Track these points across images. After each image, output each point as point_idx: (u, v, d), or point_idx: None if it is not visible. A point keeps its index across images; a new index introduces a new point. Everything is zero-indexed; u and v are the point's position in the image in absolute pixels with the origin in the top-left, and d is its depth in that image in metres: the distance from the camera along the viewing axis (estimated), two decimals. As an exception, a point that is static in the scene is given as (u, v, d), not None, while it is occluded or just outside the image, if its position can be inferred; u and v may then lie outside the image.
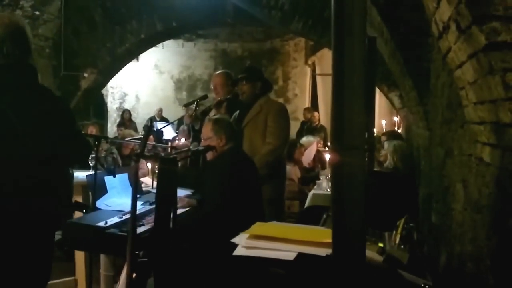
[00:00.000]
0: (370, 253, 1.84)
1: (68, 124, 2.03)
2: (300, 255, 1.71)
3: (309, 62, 11.34)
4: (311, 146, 6.74)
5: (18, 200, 1.84)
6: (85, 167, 3.64)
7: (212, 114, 3.89)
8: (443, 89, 2.83)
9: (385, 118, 8.10)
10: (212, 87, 4.17)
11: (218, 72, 4.27)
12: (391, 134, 5.32)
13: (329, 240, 1.50)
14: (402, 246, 2.01)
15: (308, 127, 9.64)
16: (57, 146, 1.98)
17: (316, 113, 10.13)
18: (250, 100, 3.77)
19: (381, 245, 2.04)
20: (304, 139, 6.97)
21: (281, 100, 11.60)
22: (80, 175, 3.47)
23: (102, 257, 3.23)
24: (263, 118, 3.68)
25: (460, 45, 1.70)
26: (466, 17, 1.49)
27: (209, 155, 3.06)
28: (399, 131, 6.87)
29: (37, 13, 5.74)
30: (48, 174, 1.96)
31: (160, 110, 11.14)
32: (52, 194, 2.01)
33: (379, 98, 6.92)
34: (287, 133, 3.88)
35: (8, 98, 1.72)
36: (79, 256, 3.34)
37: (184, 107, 9.69)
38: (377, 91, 5.55)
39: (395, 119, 7.67)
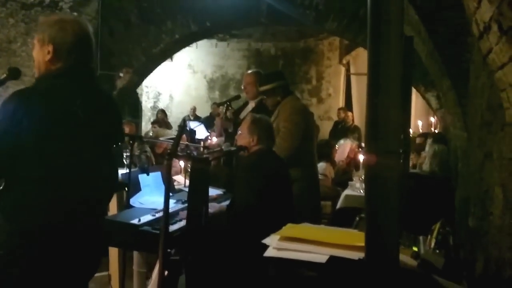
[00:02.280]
0: (404, 258, 1.80)
1: (120, 124, 2.12)
2: (332, 258, 1.68)
3: (344, 61, 11.22)
4: (345, 145, 6.70)
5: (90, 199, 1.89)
6: (120, 165, 3.71)
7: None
8: (483, 90, 2.74)
9: (421, 118, 7.93)
10: (242, 87, 4.16)
11: (249, 71, 4.25)
12: (436, 137, 5.17)
13: (362, 243, 1.47)
14: (437, 251, 1.96)
15: (342, 127, 9.54)
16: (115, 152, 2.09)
17: (350, 113, 10.01)
18: (273, 108, 3.75)
19: (415, 249, 1.98)
20: (341, 142, 6.97)
21: (314, 100, 11.54)
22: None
23: (135, 254, 3.29)
24: (277, 123, 3.62)
25: (501, 46, 1.64)
26: (508, 18, 1.44)
27: (241, 155, 3.07)
28: (436, 131, 6.72)
29: (75, 14, 5.89)
30: (111, 175, 2.03)
31: (194, 109, 11.25)
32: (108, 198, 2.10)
33: (416, 98, 6.79)
34: (298, 133, 3.61)
35: (80, 101, 1.77)
36: (113, 252, 3.40)
37: (214, 105, 9.76)
38: (413, 91, 5.43)
39: (432, 119, 7.50)
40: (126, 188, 2.85)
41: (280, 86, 3.75)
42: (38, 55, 1.85)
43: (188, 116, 10.98)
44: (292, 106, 3.70)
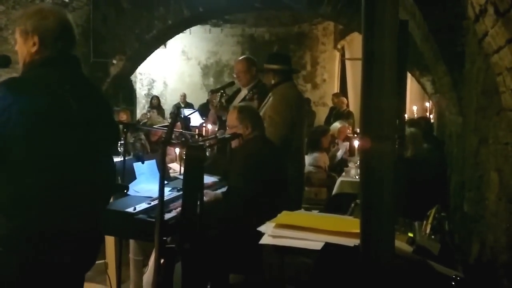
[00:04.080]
0: (400, 243, 1.80)
1: (112, 115, 2.10)
2: (327, 245, 1.68)
3: (338, 46, 11.16)
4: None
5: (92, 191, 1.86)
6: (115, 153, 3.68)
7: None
8: (479, 75, 2.73)
9: (416, 103, 7.94)
10: (234, 75, 4.12)
11: (240, 58, 4.19)
12: (410, 122, 5.16)
13: (358, 230, 1.46)
14: (433, 236, 1.96)
15: (336, 113, 9.53)
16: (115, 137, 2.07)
17: (344, 99, 10.00)
18: (269, 90, 3.73)
19: (411, 235, 1.99)
20: (333, 126, 6.90)
21: (309, 86, 11.50)
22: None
23: (131, 242, 3.28)
24: (265, 110, 3.60)
25: (497, 29, 1.62)
26: (505, 0, 1.42)
27: (234, 143, 3.05)
28: (431, 116, 6.72)
29: (67, 0, 5.81)
30: (108, 168, 2.00)
31: (184, 96, 11.19)
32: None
33: (411, 83, 6.79)
34: (286, 124, 3.55)
35: (69, 87, 1.74)
36: (109, 241, 3.40)
37: (210, 93, 9.73)
38: (409, 75, 5.41)
39: (427, 104, 7.51)
40: (126, 191, 2.83)
41: (280, 70, 3.73)
42: (22, 48, 1.81)
43: (179, 103, 10.93)
44: (282, 95, 3.66)
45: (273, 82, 3.70)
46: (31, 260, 1.68)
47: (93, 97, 1.91)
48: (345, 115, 9.02)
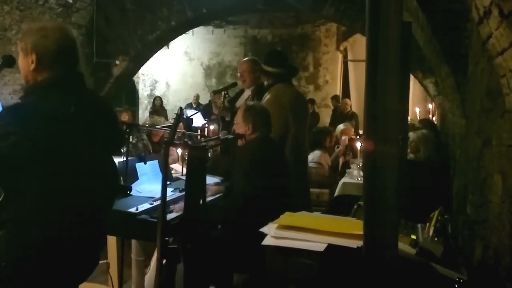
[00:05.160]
0: (403, 246, 1.80)
1: (117, 126, 2.10)
2: (330, 247, 1.68)
3: (341, 48, 11.16)
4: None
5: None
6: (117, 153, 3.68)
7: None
8: (482, 77, 2.72)
9: (419, 105, 7.92)
10: (238, 75, 4.12)
11: (245, 59, 4.20)
12: (422, 123, 5.17)
13: (361, 232, 1.46)
14: (436, 239, 1.95)
15: (340, 115, 9.53)
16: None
17: (348, 100, 10.01)
18: (265, 91, 3.72)
19: (414, 237, 1.98)
20: (337, 127, 6.93)
21: (311, 87, 11.50)
22: (112, 161, 3.52)
23: (133, 242, 3.28)
24: None
25: (502, 31, 1.62)
26: (509, 2, 1.42)
27: (239, 142, 3.05)
28: (434, 118, 6.71)
29: (71, 1, 5.83)
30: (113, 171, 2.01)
31: (197, 97, 11.22)
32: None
33: (413, 85, 6.76)
34: (279, 124, 3.47)
35: (73, 109, 1.73)
36: (111, 241, 3.40)
37: (213, 94, 9.75)
38: (411, 77, 5.40)
39: (430, 106, 7.49)
40: (128, 192, 2.83)
41: (277, 72, 3.72)
42: (23, 64, 1.80)
43: (191, 103, 10.96)
44: (274, 96, 3.63)
45: (270, 81, 3.71)
46: (31, 272, 1.68)
47: (98, 112, 1.90)
48: (349, 117, 9.01)
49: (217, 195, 3.16)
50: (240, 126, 3.03)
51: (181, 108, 2.37)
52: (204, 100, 11.30)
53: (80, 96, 1.82)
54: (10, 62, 1.91)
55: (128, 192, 2.93)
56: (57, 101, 1.73)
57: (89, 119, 1.80)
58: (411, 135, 4.28)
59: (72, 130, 1.73)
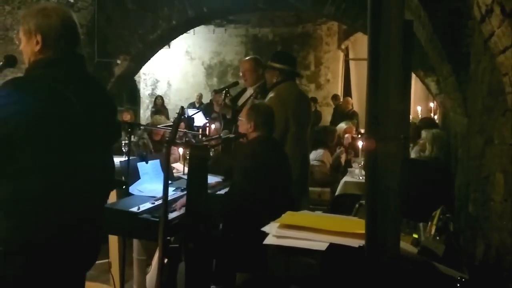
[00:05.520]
0: (404, 245, 1.79)
1: (116, 115, 2.09)
2: (332, 246, 1.68)
3: (342, 46, 11.15)
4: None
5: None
6: (118, 153, 3.69)
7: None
8: (484, 75, 2.71)
9: (420, 104, 7.91)
10: (241, 74, 4.13)
11: (247, 58, 4.20)
12: (428, 122, 5.17)
13: (362, 231, 1.46)
14: (437, 238, 1.95)
15: (341, 113, 9.53)
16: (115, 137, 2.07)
17: (349, 99, 10.01)
18: (270, 89, 3.72)
19: (415, 236, 1.98)
20: (339, 126, 6.95)
21: (312, 86, 11.49)
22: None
23: (135, 241, 3.29)
24: None
25: (504, 29, 1.61)
26: (511, 0, 1.41)
27: (242, 141, 3.07)
28: (435, 117, 6.70)
29: (72, 1, 5.82)
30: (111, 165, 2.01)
31: (200, 96, 11.23)
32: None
33: (415, 83, 6.76)
34: (280, 123, 3.46)
35: (73, 86, 1.74)
36: (113, 240, 3.40)
37: (214, 93, 9.75)
38: (413, 76, 5.39)
39: (431, 105, 7.48)
40: (124, 186, 2.84)
41: (282, 69, 3.73)
42: (26, 48, 1.80)
43: (194, 103, 10.97)
44: (278, 95, 3.63)
45: (274, 80, 3.71)
46: (32, 259, 1.67)
47: (98, 96, 1.90)
48: (350, 116, 9.00)
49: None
50: (243, 123, 3.03)
51: (182, 108, 2.37)
52: (205, 99, 11.31)
53: (81, 76, 1.83)
54: (12, 62, 1.91)
55: (124, 187, 2.94)
56: (57, 76, 1.73)
57: (89, 101, 1.79)
58: (423, 133, 4.28)
59: (71, 107, 1.72)
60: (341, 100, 10.33)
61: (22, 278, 1.67)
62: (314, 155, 5.60)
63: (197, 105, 10.62)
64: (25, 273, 1.67)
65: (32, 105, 1.65)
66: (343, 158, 6.10)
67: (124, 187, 2.96)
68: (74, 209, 1.75)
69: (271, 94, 3.66)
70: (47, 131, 1.68)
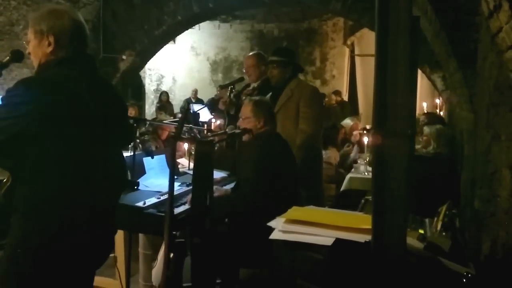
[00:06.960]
0: (410, 240, 1.79)
1: (127, 114, 2.10)
2: (338, 241, 1.68)
3: (348, 42, 11.11)
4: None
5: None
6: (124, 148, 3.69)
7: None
8: (491, 71, 2.70)
9: (426, 100, 7.88)
10: (244, 70, 4.13)
11: (250, 53, 4.21)
12: (432, 117, 5.16)
13: (369, 226, 1.46)
14: (443, 233, 1.95)
15: (327, 110, 9.55)
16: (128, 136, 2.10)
17: (333, 95, 10.11)
18: (280, 85, 3.71)
19: (421, 231, 1.98)
20: (344, 122, 6.92)
21: (318, 82, 11.46)
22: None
23: (141, 236, 3.30)
24: (295, 103, 3.60)
25: (512, 24, 1.60)
26: (520, -6, 1.40)
27: (245, 137, 3.04)
28: (441, 113, 6.67)
29: (77, -4, 5.84)
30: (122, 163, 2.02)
31: (195, 91, 11.24)
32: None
33: (421, 79, 6.72)
34: (321, 118, 3.77)
35: (85, 85, 1.76)
36: (119, 235, 3.40)
37: (219, 88, 9.76)
38: (419, 72, 5.37)
39: (437, 101, 7.45)
40: (136, 187, 2.85)
41: (292, 63, 3.74)
42: (37, 49, 1.81)
43: (190, 98, 10.98)
44: (313, 91, 3.76)
45: (287, 75, 3.70)
46: (47, 257, 1.68)
47: (109, 96, 1.92)
48: (339, 108, 9.04)
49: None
50: (250, 120, 3.00)
51: (188, 103, 2.37)
52: (209, 94, 11.30)
53: (92, 75, 1.85)
54: (18, 57, 1.92)
55: (136, 187, 2.94)
56: (69, 75, 1.75)
57: (101, 100, 1.81)
58: (425, 129, 4.28)
59: (84, 106, 1.73)
60: (344, 96, 10.32)
61: (37, 275, 1.69)
62: (324, 156, 5.56)
63: (193, 101, 10.66)
64: (40, 271, 1.69)
65: (45, 104, 1.66)
66: (352, 154, 6.08)
67: (136, 187, 2.97)
68: (88, 208, 1.76)
69: (298, 90, 3.64)
70: (60, 130, 1.68)
